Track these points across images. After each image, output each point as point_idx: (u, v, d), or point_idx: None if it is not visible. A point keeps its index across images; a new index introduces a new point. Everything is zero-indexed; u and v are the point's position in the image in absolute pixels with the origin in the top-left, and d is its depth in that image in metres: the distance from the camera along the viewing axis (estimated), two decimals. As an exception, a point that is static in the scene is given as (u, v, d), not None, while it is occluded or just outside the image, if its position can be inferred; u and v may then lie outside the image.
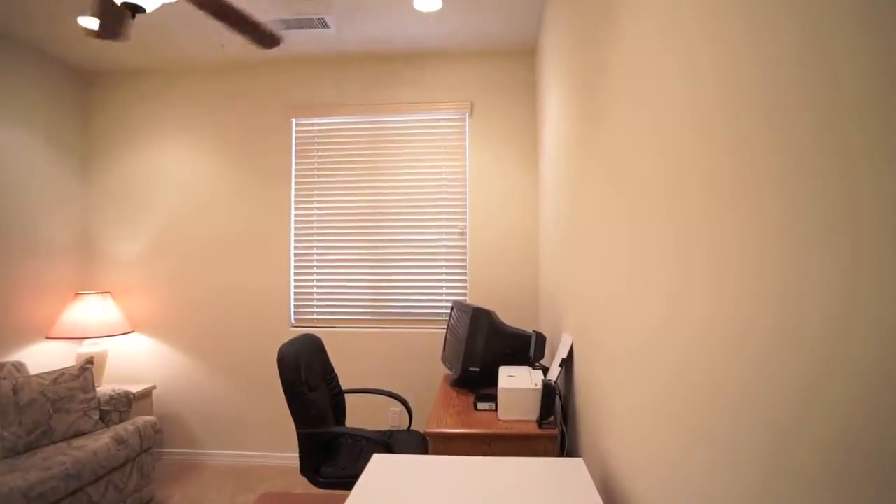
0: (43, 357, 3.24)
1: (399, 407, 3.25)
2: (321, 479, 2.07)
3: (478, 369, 2.27)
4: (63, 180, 3.42)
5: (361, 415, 3.27)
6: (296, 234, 3.42)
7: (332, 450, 2.33)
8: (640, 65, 1.04)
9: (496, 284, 3.25)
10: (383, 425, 3.26)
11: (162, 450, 3.44)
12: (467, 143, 3.32)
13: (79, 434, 2.63)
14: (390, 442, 2.16)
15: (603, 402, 1.41)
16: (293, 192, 3.42)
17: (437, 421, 1.90)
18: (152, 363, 3.46)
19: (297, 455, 3.29)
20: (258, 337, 3.37)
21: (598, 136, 1.45)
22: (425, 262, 3.31)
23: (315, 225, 3.40)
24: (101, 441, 2.53)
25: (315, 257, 3.40)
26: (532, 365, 2.25)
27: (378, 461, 1.41)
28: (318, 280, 3.38)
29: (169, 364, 3.44)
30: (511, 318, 3.23)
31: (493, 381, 2.32)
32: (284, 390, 2.08)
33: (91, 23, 2.87)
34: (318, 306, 3.38)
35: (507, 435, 1.78)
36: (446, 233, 3.31)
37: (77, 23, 2.88)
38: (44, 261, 3.25)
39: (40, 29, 2.95)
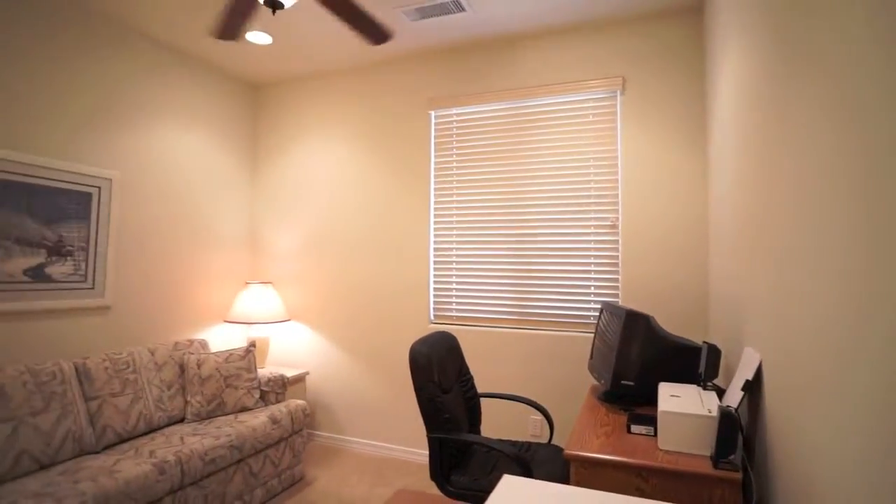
0: (221, 337, 3.70)
1: (539, 416, 3.00)
2: (451, 489, 1.93)
3: (632, 383, 1.93)
4: (236, 181, 3.87)
5: (498, 421, 3.09)
6: (435, 228, 3.38)
7: (464, 456, 2.19)
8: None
9: (654, 285, 2.81)
10: (521, 435, 3.04)
11: (312, 431, 3.69)
12: (619, 125, 2.93)
13: (243, 409, 2.91)
14: (527, 458, 1.93)
15: (820, 451, 1.01)
16: (432, 186, 3.39)
17: (580, 440, 1.62)
18: (306, 350, 3.73)
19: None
20: (400, 331, 3.41)
21: (808, 91, 1.04)
22: (571, 258, 3.00)
23: (454, 219, 3.32)
24: (259, 419, 2.75)
25: (454, 252, 3.32)
26: (702, 384, 1.83)
27: (508, 484, 1.21)
28: (457, 275, 3.30)
29: (321, 352, 3.68)
30: (673, 325, 2.75)
31: (651, 399, 1.95)
32: (416, 391, 2.00)
33: (258, 38, 3.16)
34: (457, 303, 3.29)
35: (669, 471, 1.43)
36: (595, 226, 2.96)
37: (246, 39, 3.20)
38: (221, 253, 3.72)
39: (216, 48, 3.35)
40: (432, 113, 3.42)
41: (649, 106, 2.86)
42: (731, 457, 1.41)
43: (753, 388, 1.58)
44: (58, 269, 2.69)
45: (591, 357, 2.39)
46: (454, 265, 3.31)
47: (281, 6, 1.80)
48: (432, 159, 3.40)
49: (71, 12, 2.76)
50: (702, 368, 1.85)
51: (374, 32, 2.16)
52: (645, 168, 2.85)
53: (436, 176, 3.39)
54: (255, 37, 3.16)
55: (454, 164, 3.34)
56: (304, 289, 3.76)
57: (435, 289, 3.36)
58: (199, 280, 3.52)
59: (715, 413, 1.48)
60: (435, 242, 3.37)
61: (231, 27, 2.14)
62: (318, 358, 3.68)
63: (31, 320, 2.57)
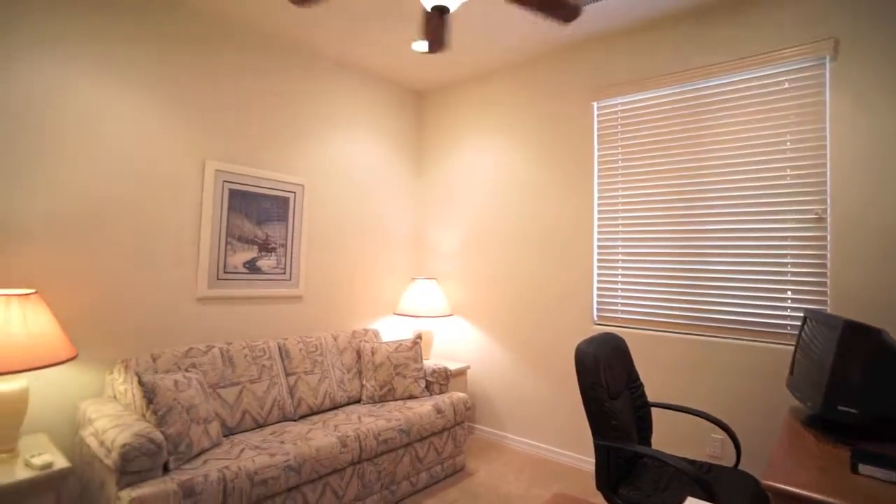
0: (391, 328, 4.03)
1: (720, 435, 2.66)
2: (619, 502, 1.81)
3: (853, 411, 1.59)
4: (403, 183, 4.17)
5: (668, 435, 2.82)
6: (599, 225, 3.22)
7: (633, 469, 2.04)
8: None
9: (883, 292, 2.28)
10: (695, 453, 2.73)
11: (472, 424, 3.80)
12: (827, 98, 2.44)
13: (411, 397, 3.11)
14: (708, 480, 1.72)
15: None
16: (595, 181, 3.23)
17: (783, 471, 1.38)
18: (468, 345, 3.85)
19: (593, 460, 3.10)
20: (562, 331, 3.33)
21: None
22: (760, 258, 2.60)
23: (619, 215, 3.12)
24: (425, 407, 2.91)
25: (620, 250, 3.12)
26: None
27: (697, 509, 1.08)
28: (622, 275, 3.10)
29: (481, 347, 3.77)
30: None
31: (882, 433, 1.59)
32: (582, 393, 1.91)
33: (422, 46, 3.35)
34: (622, 304, 3.09)
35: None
36: (793, 220, 2.52)
37: (411, 50, 3.43)
38: (391, 250, 4.04)
39: (385, 59, 3.64)
40: (595, 104, 3.26)
41: (871, 71, 2.33)
42: None
43: None
44: (265, 263, 3.19)
45: (791, 373, 2.03)
46: (619, 264, 3.11)
47: (447, 10, 1.87)
48: (595, 153, 3.25)
49: (270, 43, 3.26)
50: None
51: (564, 8, 2.08)
52: (863, 148, 2.33)
53: (599, 170, 3.23)
54: (420, 45, 3.36)
55: (619, 157, 3.14)
56: (466, 285, 3.89)
57: (599, 288, 3.20)
58: (371, 275, 3.88)
59: None
60: (598, 240, 3.21)
61: (434, 41, 2.24)
62: (479, 353, 3.78)
63: (246, 304, 3.10)
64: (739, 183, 2.67)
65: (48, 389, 2.34)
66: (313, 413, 2.88)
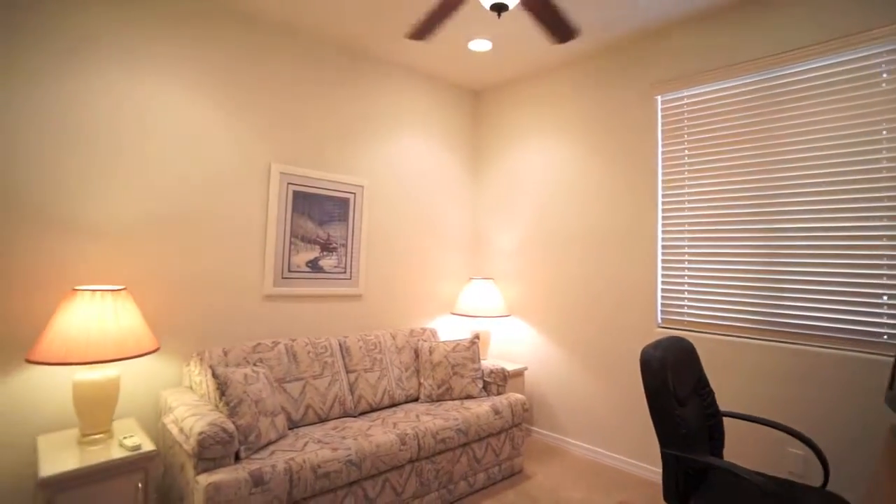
0: (447, 327, 4.04)
1: (801, 449, 2.46)
2: (691, 516, 1.71)
3: (967, 430, 1.41)
4: (460, 183, 4.17)
5: (740, 448, 2.65)
6: (663, 224, 3.07)
7: (703, 481, 1.93)
8: None
9: None
10: (772, 468, 2.54)
11: (530, 427, 3.74)
12: (935, 81, 2.20)
13: (468, 397, 3.10)
14: (793, 499, 1.60)
15: None
16: (659, 178, 3.09)
17: (890, 500, 1.25)
18: (525, 346, 3.80)
19: (659, 470, 2.97)
20: (622, 334, 3.21)
21: None
22: (850, 260, 2.38)
23: (686, 213, 2.97)
24: (483, 407, 2.90)
25: (686, 250, 2.96)
26: None
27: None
28: (689, 276, 2.94)
29: (539, 349, 3.70)
30: None
31: None
32: (648, 398, 1.83)
33: (480, 45, 3.33)
34: (689, 307, 2.94)
35: None
36: (890, 217, 2.29)
37: (468, 50, 3.42)
38: (448, 249, 4.05)
39: (441, 60, 3.65)
40: (658, 98, 3.11)
41: None
42: None
43: None
44: (327, 262, 3.29)
45: (891, 387, 1.84)
46: (686, 264, 2.96)
47: (506, 8, 1.85)
48: (659, 149, 3.10)
49: (330, 48, 3.36)
50: None
51: (562, 29, 2.12)
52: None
53: (664, 167, 3.08)
54: (477, 45, 3.34)
55: (685, 153, 2.98)
56: (524, 285, 3.84)
57: (663, 290, 3.05)
58: (429, 274, 3.91)
59: None
60: (663, 239, 3.07)
61: (428, 28, 2.24)
62: (537, 354, 3.72)
63: (309, 302, 3.21)
64: (823, 178, 2.46)
65: (135, 378, 2.53)
66: (372, 410, 2.94)
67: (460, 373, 3.14)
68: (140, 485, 1.98)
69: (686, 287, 2.95)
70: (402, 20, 3.02)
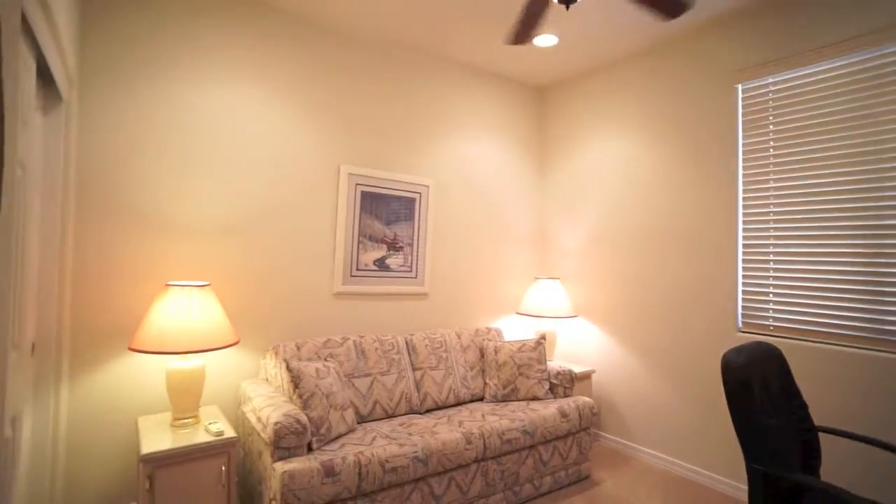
0: (512, 327, 4.00)
1: (912, 471, 2.21)
2: (782, 536, 1.58)
3: None
4: (525, 182, 4.12)
5: (840, 467, 2.41)
6: (745, 221, 2.86)
7: (795, 500, 1.77)
8: None
9: None
10: (879, 494, 2.29)
11: (598, 432, 3.62)
12: None
13: (534, 398, 3.05)
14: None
15: None
16: (740, 172, 2.88)
17: None
18: (593, 348, 3.69)
19: (742, 486, 2.77)
20: (699, 337, 3.03)
21: None
22: (972, 259, 2.11)
23: (770, 209, 2.75)
24: (549, 409, 2.84)
25: (771, 249, 2.75)
26: None
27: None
28: (774, 277, 2.72)
29: (607, 351, 3.58)
30: None
31: None
32: (730, 407, 1.71)
33: (545, 40, 3.27)
34: (774, 310, 2.72)
35: None
36: None
37: (533, 46, 3.36)
38: (513, 249, 4.01)
39: (505, 59, 3.62)
40: (739, 86, 2.91)
41: None
42: None
43: None
44: (393, 261, 3.36)
45: None
46: (770, 264, 2.74)
47: (574, 0, 1.80)
48: (739, 141, 2.90)
49: (395, 49, 3.43)
50: None
51: (671, 5, 1.97)
52: None
53: (745, 160, 2.88)
54: (542, 40, 3.29)
55: (770, 144, 2.76)
56: (591, 286, 3.73)
57: (744, 292, 2.85)
58: (494, 273, 3.89)
59: None
60: (744, 238, 2.86)
61: (524, 32, 2.25)
62: (605, 357, 3.59)
63: (376, 300, 3.29)
64: (941, 167, 2.19)
65: (218, 369, 2.71)
66: (438, 408, 2.96)
67: (526, 373, 3.09)
68: (223, 467, 2.12)
69: (771, 289, 2.73)
70: (471, 22, 3.03)
